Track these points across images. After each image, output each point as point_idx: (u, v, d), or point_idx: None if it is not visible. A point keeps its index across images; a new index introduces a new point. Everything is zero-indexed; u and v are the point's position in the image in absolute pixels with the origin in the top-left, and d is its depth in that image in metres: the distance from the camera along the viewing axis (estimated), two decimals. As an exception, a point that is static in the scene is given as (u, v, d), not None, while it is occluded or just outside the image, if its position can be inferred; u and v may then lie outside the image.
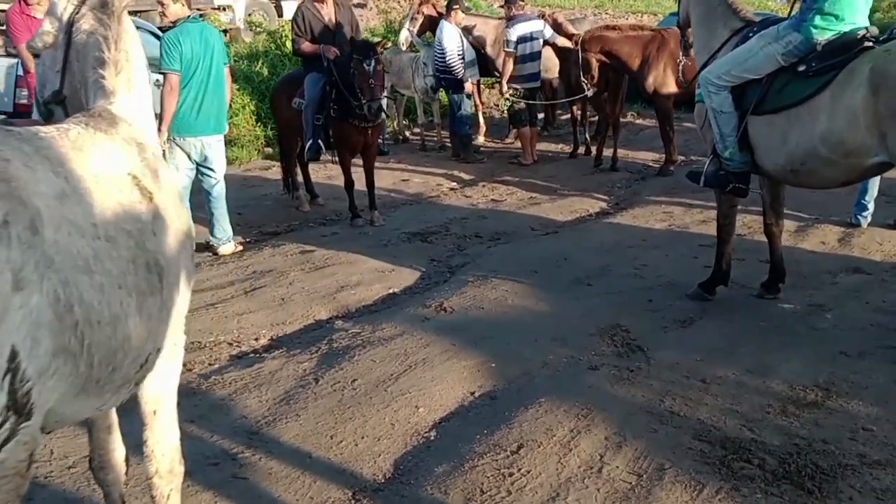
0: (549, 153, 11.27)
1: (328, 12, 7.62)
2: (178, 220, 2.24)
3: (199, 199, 6.81)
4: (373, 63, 6.99)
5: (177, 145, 6.58)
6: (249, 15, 19.34)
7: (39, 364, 1.57)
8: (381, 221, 7.69)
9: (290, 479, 3.34)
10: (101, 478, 2.59)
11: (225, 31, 18.59)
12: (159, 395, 2.39)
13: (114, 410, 2.51)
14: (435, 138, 11.89)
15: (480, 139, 12.02)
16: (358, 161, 7.80)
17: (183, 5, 6.50)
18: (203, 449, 3.55)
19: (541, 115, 12.55)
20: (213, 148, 6.62)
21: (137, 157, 2.15)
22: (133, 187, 2.02)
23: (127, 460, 2.57)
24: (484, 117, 12.34)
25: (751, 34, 4.81)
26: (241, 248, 6.89)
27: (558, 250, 6.72)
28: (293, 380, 4.28)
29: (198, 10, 19.11)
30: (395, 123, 12.48)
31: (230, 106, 11.42)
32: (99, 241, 1.79)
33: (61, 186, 1.76)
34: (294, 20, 7.84)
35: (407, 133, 12.56)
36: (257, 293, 5.70)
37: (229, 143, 11.39)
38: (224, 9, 19.92)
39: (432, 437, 3.73)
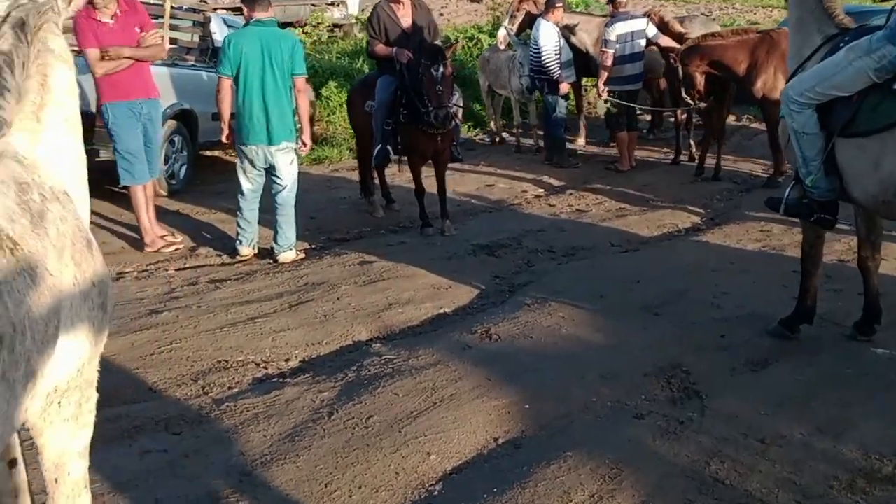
0: (651, 159, 10.63)
1: (404, 14, 7.34)
2: (66, 268, 1.98)
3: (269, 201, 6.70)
4: (441, 69, 6.66)
5: (242, 150, 6.49)
6: (363, 10, 19.32)
7: None
8: (451, 231, 7.36)
9: (265, 534, 3.07)
10: None
11: (336, 27, 18.74)
12: (60, 461, 2.15)
13: (22, 471, 2.29)
14: (531, 141, 11.44)
15: (580, 141, 11.50)
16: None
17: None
18: (188, 490, 3.32)
19: (648, 118, 11.93)
20: (276, 157, 6.46)
21: (10, 199, 1.89)
22: None
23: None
24: (586, 120, 11.79)
25: (841, 44, 4.17)
26: (302, 255, 6.72)
27: (633, 271, 6.20)
28: (307, 412, 4.01)
29: (312, 4, 19.40)
30: (492, 124, 12.12)
31: (313, 118, 11.49)
32: None
33: None
34: (369, 21, 7.62)
35: (504, 134, 12.17)
36: (301, 308, 5.48)
37: (322, 141, 11.38)
38: (338, 4, 20.07)
39: (436, 492, 3.38)
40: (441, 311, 5.54)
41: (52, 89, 2.19)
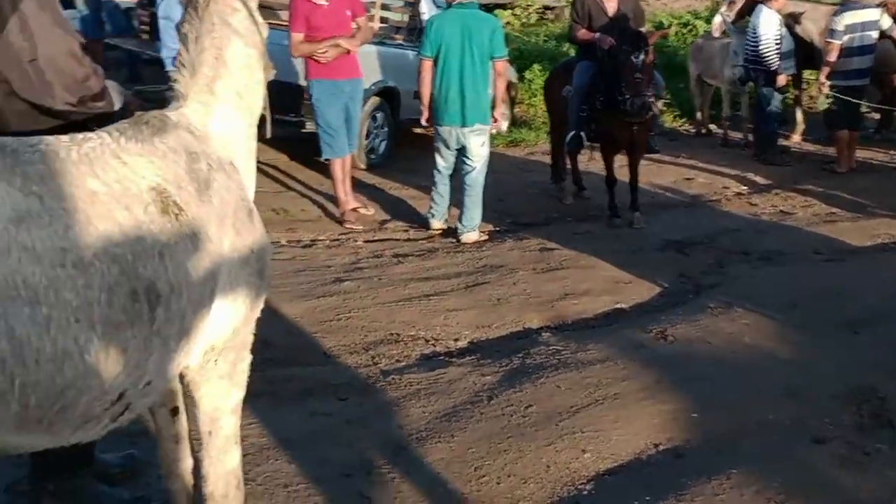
0: (873, 161, 9.78)
1: (610, 0, 7.14)
2: (226, 236, 2.09)
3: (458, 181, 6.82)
4: (641, 56, 6.42)
5: (438, 130, 6.63)
6: (577, -7, 19.03)
7: None
8: (641, 224, 7.12)
9: (409, 510, 3.12)
10: (168, 488, 2.56)
11: (548, 9, 18.61)
12: (214, 415, 2.28)
13: (183, 419, 2.44)
14: (740, 134, 10.83)
15: (795, 138, 10.76)
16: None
17: None
18: (344, 456, 3.43)
19: (876, 116, 10.95)
20: (468, 138, 6.54)
21: (181, 167, 2.02)
22: (151, 203, 1.88)
23: (195, 472, 2.49)
24: (803, 115, 10.99)
25: None
26: (485, 237, 6.76)
27: (835, 283, 5.73)
28: (467, 393, 4.03)
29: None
30: (698, 115, 11.59)
31: (514, 100, 11.48)
32: (61, 269, 1.67)
33: (27, 207, 1.66)
34: (573, 5, 7.48)
35: (711, 126, 11.60)
36: (476, 290, 5.51)
37: (521, 124, 11.39)
38: (551, -14, 19.90)
39: (585, 492, 3.29)
40: (618, 305, 5.38)
41: (227, 63, 2.30)
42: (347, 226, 6.89)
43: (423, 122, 6.97)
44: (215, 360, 2.21)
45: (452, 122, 6.48)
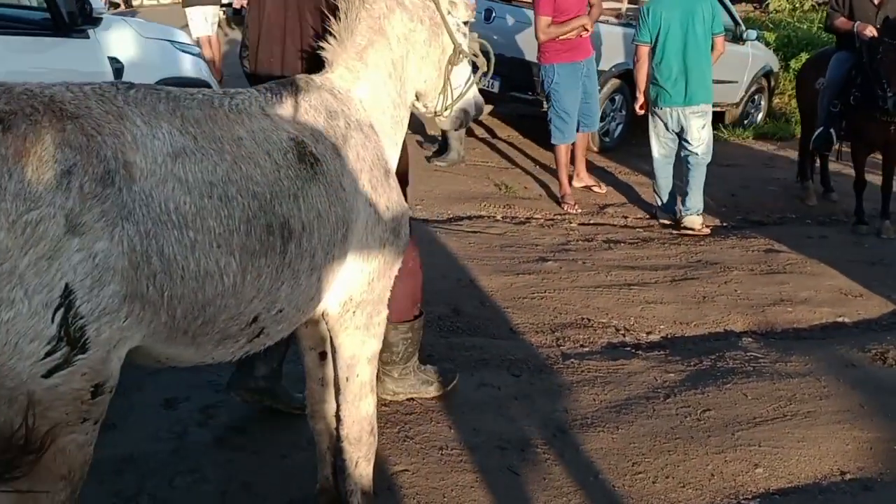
0: None
1: (875, -17, 6.48)
2: (361, 189, 2.22)
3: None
4: (906, 49, 5.76)
5: (656, 114, 6.44)
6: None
7: (101, 305, 1.67)
8: (890, 234, 6.46)
9: (554, 492, 3.09)
10: (312, 426, 2.72)
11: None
12: (351, 363, 2.41)
13: (329, 365, 2.59)
14: None
15: None
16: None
17: None
18: (503, 430, 3.47)
19: None
20: (689, 120, 6.31)
21: (320, 123, 2.18)
22: (289, 151, 2.05)
23: (338, 417, 2.63)
24: None
25: None
26: (707, 231, 6.44)
27: None
28: (644, 388, 3.90)
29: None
30: None
31: (773, 90, 10.73)
32: (208, 200, 1.85)
33: (183, 144, 1.84)
34: (833, -10, 6.86)
35: None
36: (683, 284, 5.29)
37: (778, 116, 10.69)
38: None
39: (747, 507, 3.09)
40: (839, 318, 4.94)
41: (384, 33, 2.40)
42: (566, 208, 6.87)
43: (638, 110, 6.77)
44: (353, 312, 2.35)
45: (674, 103, 6.29)
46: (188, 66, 6.53)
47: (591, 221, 6.67)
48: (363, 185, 2.25)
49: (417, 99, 2.65)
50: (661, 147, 6.53)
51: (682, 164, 6.52)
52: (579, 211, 6.84)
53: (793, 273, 5.58)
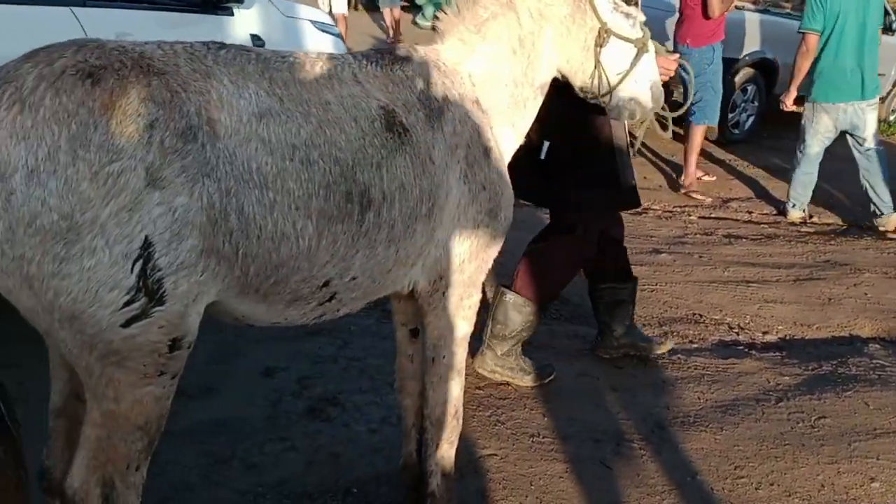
0: None
1: None
2: (455, 164, 2.16)
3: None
4: None
5: (821, 109, 6.03)
6: None
7: (179, 258, 1.69)
8: None
9: (647, 489, 2.96)
10: (400, 401, 2.69)
11: None
12: (438, 343, 2.36)
13: (421, 345, 2.55)
14: None
15: None
16: None
17: None
18: (599, 421, 3.35)
19: None
20: (866, 114, 5.93)
21: (414, 94, 2.12)
22: (377, 119, 2.01)
23: (424, 396, 2.58)
24: None
25: None
26: None
27: None
28: (755, 389, 3.68)
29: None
30: None
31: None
32: (290, 162, 1.83)
33: (269, 105, 1.83)
34: None
35: None
36: (807, 285, 4.98)
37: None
38: None
39: (856, 524, 2.86)
40: (983, 331, 4.53)
41: (513, 6, 2.31)
42: (693, 195, 6.60)
43: (788, 105, 6.37)
44: (443, 293, 2.29)
45: (849, 98, 5.90)
46: (329, 47, 6.62)
47: (712, 215, 6.40)
48: (457, 162, 2.17)
49: (569, 81, 2.52)
50: (817, 144, 6.14)
51: (858, 164, 6.10)
52: (707, 201, 6.56)
53: (932, 279, 5.17)
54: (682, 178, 6.87)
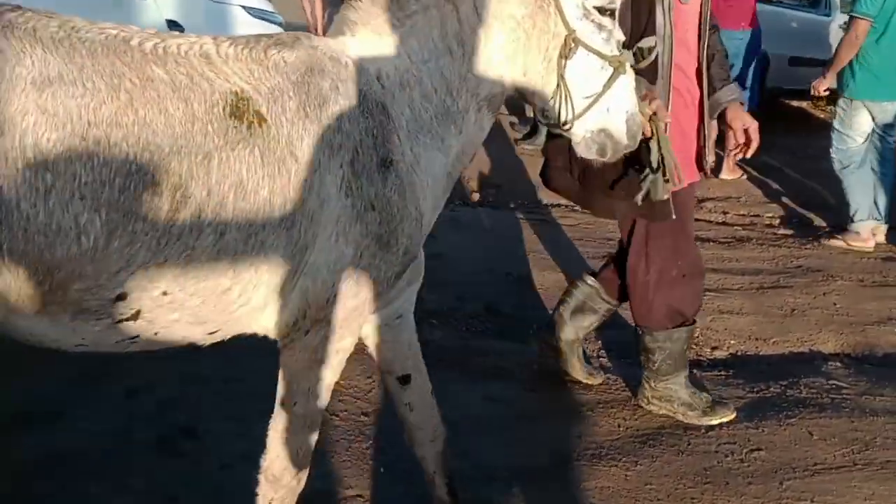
0: None
1: None
2: (334, 171, 1.81)
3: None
4: None
5: (861, 106, 5.40)
6: None
7: None
8: None
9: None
10: (415, 454, 2.47)
11: None
12: (292, 389, 2.01)
13: (415, 389, 2.37)
14: None
15: None
16: None
17: None
18: (497, 457, 2.95)
19: None
20: None
21: (288, 81, 1.80)
22: (220, 104, 1.72)
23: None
24: None
25: None
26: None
27: None
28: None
29: None
30: None
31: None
32: (81, 141, 1.59)
33: (60, 73, 1.60)
34: None
35: None
36: (769, 294, 4.53)
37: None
38: None
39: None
40: (961, 347, 4.06)
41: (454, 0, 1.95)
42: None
43: (819, 91, 5.69)
44: (306, 331, 1.92)
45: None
46: None
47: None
48: (339, 166, 1.82)
49: (526, 101, 2.14)
50: (860, 137, 5.46)
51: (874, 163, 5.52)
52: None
53: (913, 287, 4.69)
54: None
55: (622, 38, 2.06)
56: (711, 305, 4.32)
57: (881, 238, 5.49)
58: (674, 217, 2.90)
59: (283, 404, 2.01)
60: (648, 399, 3.26)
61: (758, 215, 6.07)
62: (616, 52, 2.01)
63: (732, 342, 4.00)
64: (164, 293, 1.72)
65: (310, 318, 1.90)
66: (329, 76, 1.85)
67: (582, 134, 2.05)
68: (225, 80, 1.75)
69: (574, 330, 3.38)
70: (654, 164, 2.51)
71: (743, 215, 6.10)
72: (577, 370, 3.41)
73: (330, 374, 2.02)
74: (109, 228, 1.61)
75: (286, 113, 1.78)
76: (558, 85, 1.97)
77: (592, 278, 3.40)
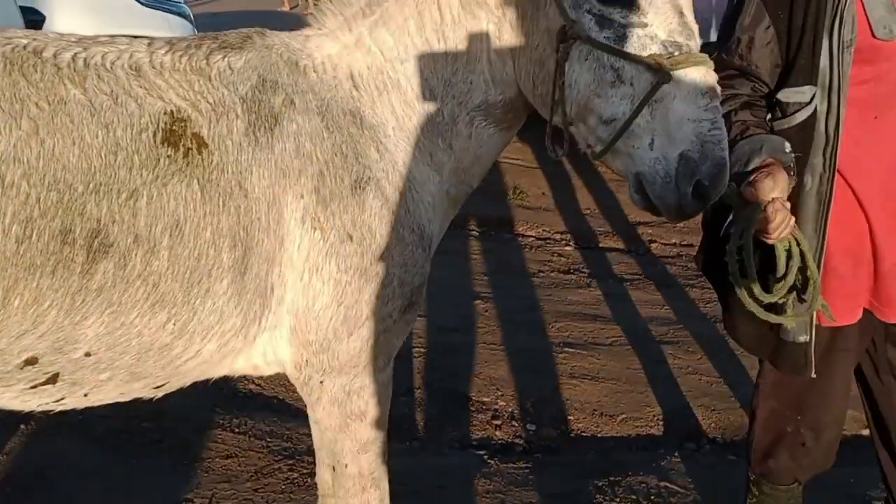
0: None
1: None
2: (294, 199, 1.57)
3: None
4: None
5: None
6: None
7: None
8: None
9: None
10: None
11: None
12: (334, 449, 1.86)
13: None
14: None
15: None
16: None
17: None
18: None
19: None
20: None
21: (231, 95, 1.57)
22: (150, 128, 1.49)
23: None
24: None
25: None
26: None
27: None
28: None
29: None
30: None
31: None
32: None
33: None
34: None
35: None
36: (651, 349, 3.73)
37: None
38: None
39: None
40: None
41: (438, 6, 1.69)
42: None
43: None
44: (320, 381, 1.74)
45: None
46: (157, 30, 5.56)
47: (602, 244, 5.12)
48: (299, 196, 1.59)
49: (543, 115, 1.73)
50: None
51: None
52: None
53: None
54: None
55: (665, 35, 1.48)
56: (564, 367, 3.59)
57: None
58: (812, 375, 1.96)
59: (334, 468, 1.86)
60: None
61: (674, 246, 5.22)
62: (654, 52, 1.47)
63: (571, 418, 3.25)
64: (87, 354, 1.52)
65: (314, 366, 1.72)
66: (283, 89, 1.62)
67: (596, 153, 1.58)
68: (158, 97, 1.53)
69: None
70: (790, 279, 1.73)
71: (673, 244, 5.26)
72: None
73: (366, 430, 1.80)
74: (7, 284, 1.40)
75: (232, 135, 1.55)
76: (553, 88, 1.56)
77: None
